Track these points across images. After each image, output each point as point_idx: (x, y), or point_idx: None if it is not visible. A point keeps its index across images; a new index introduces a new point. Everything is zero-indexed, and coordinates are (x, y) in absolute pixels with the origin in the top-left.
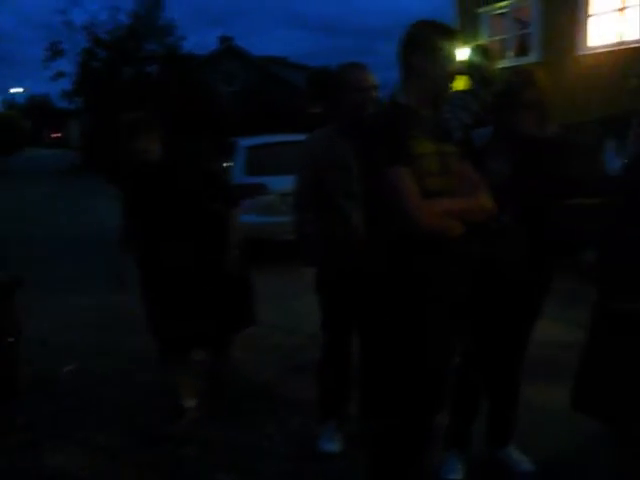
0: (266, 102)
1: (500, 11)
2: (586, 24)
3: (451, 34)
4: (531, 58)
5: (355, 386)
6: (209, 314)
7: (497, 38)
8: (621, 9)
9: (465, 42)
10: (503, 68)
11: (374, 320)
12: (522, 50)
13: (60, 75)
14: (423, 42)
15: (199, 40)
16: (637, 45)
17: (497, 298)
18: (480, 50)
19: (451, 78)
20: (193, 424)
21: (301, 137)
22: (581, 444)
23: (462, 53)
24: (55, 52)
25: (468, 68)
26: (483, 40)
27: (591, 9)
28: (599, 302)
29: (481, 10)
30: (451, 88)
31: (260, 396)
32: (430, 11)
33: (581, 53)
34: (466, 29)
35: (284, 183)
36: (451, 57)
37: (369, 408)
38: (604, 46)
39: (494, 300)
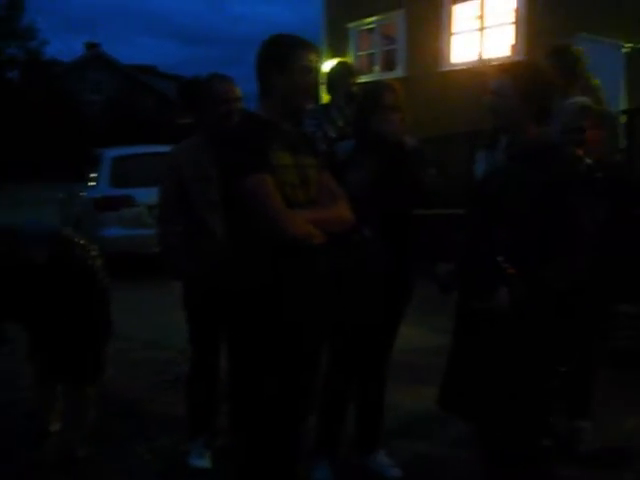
0: (134, 112)
1: (368, 27)
2: (449, 42)
3: (308, 48)
4: (397, 73)
5: (225, 400)
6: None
7: (365, 53)
8: (481, 29)
9: (333, 56)
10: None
11: (242, 331)
12: (388, 65)
13: None
14: (279, 57)
15: (63, 46)
16: (496, 63)
17: (359, 306)
18: (342, 65)
19: (308, 92)
20: (60, 447)
21: (168, 148)
22: (447, 444)
23: (326, 67)
24: None
25: (331, 83)
26: (351, 54)
27: (454, 28)
28: (458, 304)
29: (350, 25)
30: (311, 101)
31: (129, 414)
32: (300, 23)
33: (444, 69)
34: (335, 43)
35: (151, 195)
36: (307, 71)
37: (238, 421)
38: (466, 63)
39: (357, 308)
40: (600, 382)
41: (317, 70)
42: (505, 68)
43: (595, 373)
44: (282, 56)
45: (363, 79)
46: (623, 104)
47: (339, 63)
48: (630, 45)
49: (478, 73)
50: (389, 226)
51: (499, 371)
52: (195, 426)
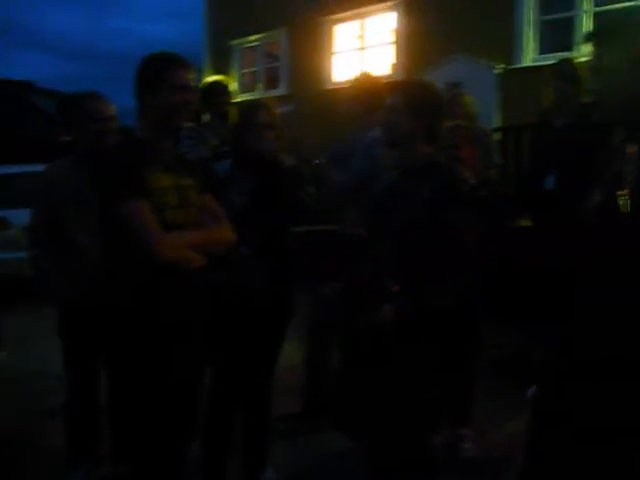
0: (11, 129)
1: (251, 44)
2: (331, 61)
3: (180, 66)
4: (280, 91)
5: (106, 426)
6: None
7: (248, 70)
8: (361, 48)
9: (216, 73)
10: (245, 101)
11: (120, 355)
12: (272, 83)
13: None
14: (150, 76)
15: None
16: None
17: (240, 326)
18: (216, 84)
19: (180, 111)
20: None
21: (42, 167)
22: (335, 457)
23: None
24: None
25: (204, 101)
26: (235, 72)
27: (335, 47)
28: (344, 321)
29: (233, 43)
30: (186, 120)
31: (4, 446)
32: (182, 40)
33: (327, 88)
34: (218, 61)
35: (25, 216)
36: (179, 90)
37: (121, 447)
38: (348, 82)
39: (238, 328)
40: (479, 389)
41: (192, 89)
42: (397, 86)
43: (474, 381)
44: (153, 75)
45: (247, 97)
46: (496, 122)
47: (213, 82)
48: (502, 66)
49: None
50: (268, 244)
51: (382, 386)
52: (76, 454)
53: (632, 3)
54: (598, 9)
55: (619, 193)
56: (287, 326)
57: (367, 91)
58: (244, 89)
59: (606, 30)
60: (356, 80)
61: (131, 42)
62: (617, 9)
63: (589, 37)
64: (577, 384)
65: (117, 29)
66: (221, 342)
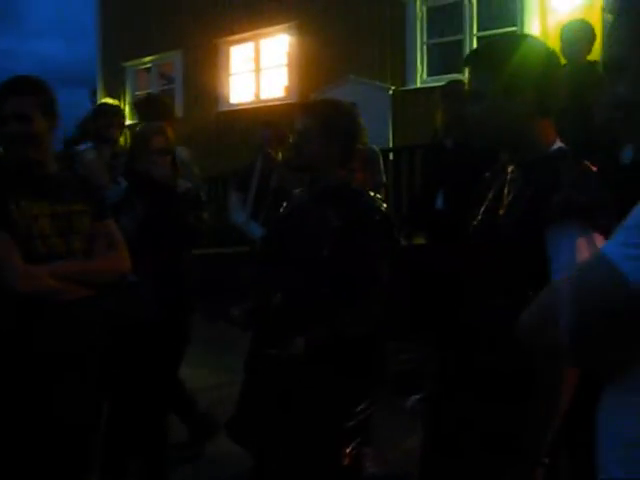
0: None
1: (145, 66)
2: (228, 82)
3: (12, 94)
4: (175, 113)
5: None
6: None
7: (143, 92)
8: (256, 70)
9: (109, 95)
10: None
11: None
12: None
13: None
14: None
15: None
16: (272, 103)
17: (132, 356)
18: (100, 107)
19: (14, 142)
20: None
21: None
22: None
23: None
24: None
25: (97, 126)
26: (128, 94)
27: (232, 69)
28: (252, 347)
29: (126, 64)
30: (28, 151)
31: None
32: (75, 61)
33: (223, 109)
34: (111, 82)
35: None
36: (11, 120)
37: None
38: (244, 103)
39: (130, 358)
40: (379, 407)
41: (31, 117)
42: (310, 107)
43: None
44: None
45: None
46: (390, 142)
47: (99, 104)
48: (394, 88)
49: (256, 112)
50: (159, 271)
51: (290, 412)
52: None
53: (512, 29)
54: (482, 33)
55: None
56: (182, 352)
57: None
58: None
59: (474, 56)
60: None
61: (25, 62)
62: (496, 34)
63: (465, 61)
64: (453, 402)
65: (5, 47)
66: (114, 374)
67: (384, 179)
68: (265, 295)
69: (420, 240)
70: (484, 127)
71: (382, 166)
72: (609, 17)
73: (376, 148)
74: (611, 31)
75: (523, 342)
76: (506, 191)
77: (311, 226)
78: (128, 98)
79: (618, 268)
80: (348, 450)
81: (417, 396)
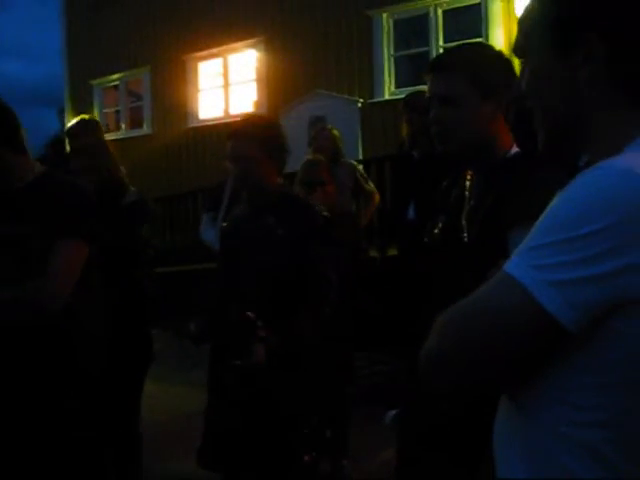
0: None
1: (113, 83)
2: (196, 98)
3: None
4: (145, 130)
5: None
6: None
7: (111, 110)
8: (225, 85)
9: (78, 113)
10: (117, 140)
11: None
12: (136, 122)
13: None
14: None
15: None
16: (240, 118)
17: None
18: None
19: None
20: None
21: None
22: None
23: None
24: None
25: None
26: (96, 111)
27: (200, 84)
28: (210, 361)
29: (94, 82)
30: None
31: None
32: (42, 79)
33: (193, 125)
34: (79, 100)
35: None
36: None
37: None
38: (213, 119)
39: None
40: (356, 418)
41: None
42: (243, 132)
43: (349, 414)
44: None
45: (111, 137)
46: (360, 154)
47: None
48: (362, 100)
49: (226, 127)
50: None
51: (250, 422)
52: None
53: (477, 39)
54: (448, 45)
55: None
56: (145, 370)
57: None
58: (107, 129)
59: (441, 61)
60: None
61: None
62: (458, 45)
63: (430, 68)
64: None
65: None
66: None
67: (372, 186)
68: (221, 309)
69: (393, 251)
70: (457, 132)
71: (364, 174)
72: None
73: (353, 162)
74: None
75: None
76: (467, 196)
77: (258, 238)
78: (97, 116)
79: (536, 298)
80: (306, 458)
81: (394, 411)
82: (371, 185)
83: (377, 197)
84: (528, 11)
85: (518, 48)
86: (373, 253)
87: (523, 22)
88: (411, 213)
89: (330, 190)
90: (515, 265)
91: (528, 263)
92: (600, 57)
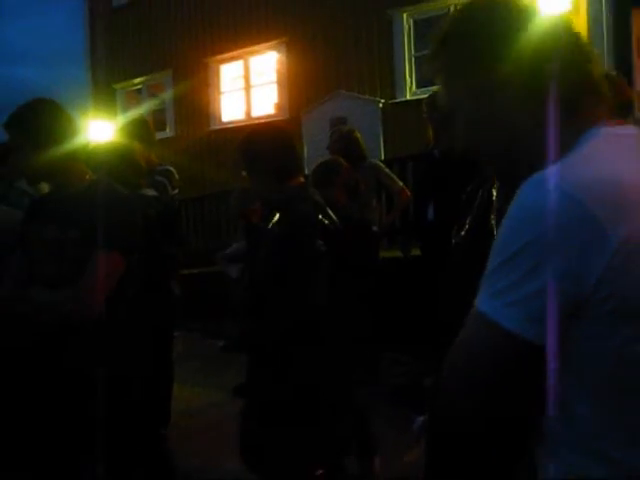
0: None
1: (136, 87)
2: (218, 101)
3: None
4: (167, 133)
5: None
6: None
7: (133, 113)
8: (246, 88)
9: (100, 117)
10: None
11: None
12: (158, 125)
13: None
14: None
15: None
16: (263, 120)
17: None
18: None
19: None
20: None
21: None
22: None
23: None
24: None
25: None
26: (119, 115)
27: (222, 87)
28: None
29: (117, 86)
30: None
31: None
32: (63, 84)
33: (215, 128)
34: (103, 104)
35: None
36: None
37: None
38: (235, 121)
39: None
40: (382, 419)
41: None
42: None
43: (367, 413)
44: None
45: None
46: (381, 154)
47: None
48: (384, 100)
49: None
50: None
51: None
52: None
53: None
54: None
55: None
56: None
57: None
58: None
59: None
60: None
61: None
62: None
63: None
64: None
65: None
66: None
67: (400, 184)
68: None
69: (416, 251)
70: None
71: (389, 177)
72: None
73: (376, 161)
74: None
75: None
76: (494, 197)
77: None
78: (119, 119)
79: (497, 322)
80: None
81: (422, 418)
82: (399, 183)
83: (406, 194)
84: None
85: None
86: (396, 253)
87: (444, 47)
88: (430, 214)
89: (337, 194)
90: (479, 299)
91: (487, 292)
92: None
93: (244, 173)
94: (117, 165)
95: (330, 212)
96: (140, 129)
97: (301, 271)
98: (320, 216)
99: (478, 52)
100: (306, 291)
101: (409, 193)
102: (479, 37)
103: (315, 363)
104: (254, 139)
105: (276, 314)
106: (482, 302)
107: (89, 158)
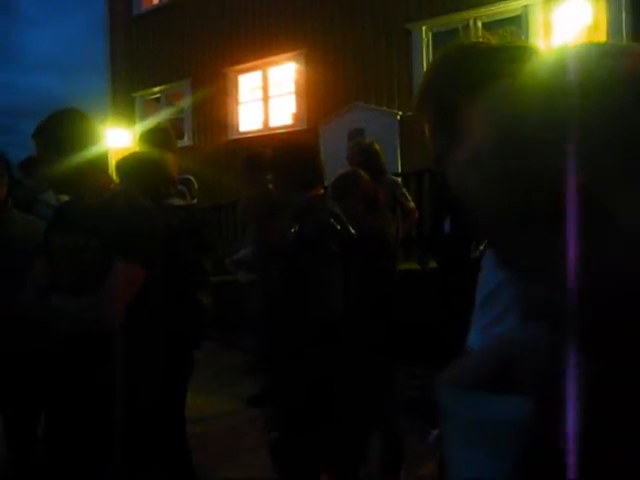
0: None
1: (155, 96)
2: (236, 111)
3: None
4: (186, 142)
5: None
6: None
7: (152, 122)
8: (264, 98)
9: (119, 125)
10: None
11: None
12: (176, 134)
13: None
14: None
15: None
16: (280, 131)
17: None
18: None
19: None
20: None
21: None
22: None
23: (111, 136)
24: None
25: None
26: (138, 123)
27: (240, 97)
28: None
29: (136, 94)
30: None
31: None
32: (80, 92)
33: (232, 137)
34: (122, 112)
35: None
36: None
37: None
38: (253, 131)
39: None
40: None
41: None
42: (279, 147)
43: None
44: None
45: None
46: (399, 167)
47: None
48: (401, 113)
49: (265, 140)
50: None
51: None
52: None
53: None
54: None
55: None
56: (186, 382)
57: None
58: None
59: None
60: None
61: (22, 96)
62: None
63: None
64: None
65: (13, 83)
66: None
67: (413, 205)
68: None
69: (433, 263)
70: None
71: (405, 192)
72: None
73: (395, 178)
74: None
75: None
76: None
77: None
78: (138, 127)
79: None
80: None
81: (436, 431)
82: (412, 204)
83: (415, 216)
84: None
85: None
86: (414, 266)
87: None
88: (447, 227)
89: (355, 205)
90: (470, 336)
91: (476, 328)
92: None
93: (246, 182)
94: (147, 175)
95: (346, 222)
96: (162, 137)
97: (319, 275)
98: (337, 226)
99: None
100: (324, 295)
101: (417, 216)
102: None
103: (330, 361)
104: (280, 153)
105: (295, 322)
106: (474, 340)
107: (119, 168)
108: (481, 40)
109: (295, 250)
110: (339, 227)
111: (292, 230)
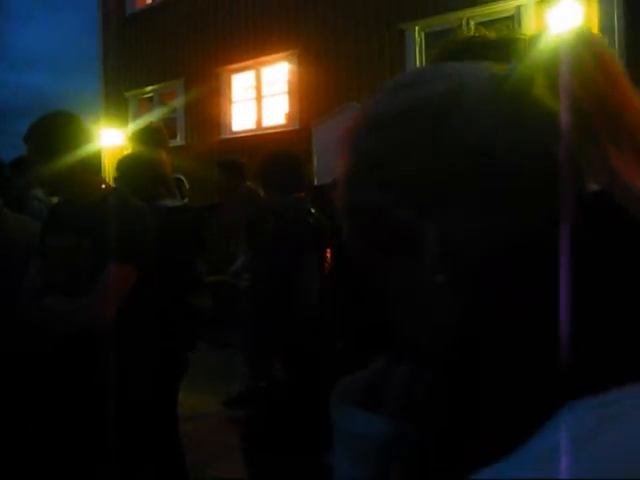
0: None
1: (147, 95)
2: (229, 110)
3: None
4: (178, 141)
5: None
6: None
7: (145, 121)
8: (257, 98)
9: (112, 125)
10: None
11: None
12: (170, 133)
13: None
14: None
15: None
16: (273, 130)
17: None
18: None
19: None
20: None
21: None
22: None
23: (104, 136)
24: None
25: None
26: (131, 122)
27: (233, 96)
28: None
29: (128, 94)
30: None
31: None
32: (73, 91)
33: (225, 137)
34: (114, 112)
35: None
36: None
37: None
38: (245, 131)
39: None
40: None
41: None
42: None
43: None
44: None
45: None
46: None
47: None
48: None
49: (258, 140)
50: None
51: None
52: None
53: None
54: None
55: None
56: (177, 381)
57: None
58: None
59: None
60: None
61: (14, 95)
62: None
63: None
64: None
65: (4, 82)
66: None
67: None
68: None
69: None
70: None
71: None
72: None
73: None
74: None
75: None
76: None
77: None
78: (130, 127)
79: None
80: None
81: None
82: None
83: None
84: None
85: None
86: None
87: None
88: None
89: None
90: None
91: None
92: None
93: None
94: (141, 175)
95: (323, 220)
96: (155, 136)
97: (299, 266)
98: (311, 220)
99: None
100: (305, 283)
101: None
102: None
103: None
104: (267, 161)
105: (281, 308)
106: None
107: (117, 168)
108: (476, 35)
109: (277, 244)
110: (316, 224)
111: (275, 227)
